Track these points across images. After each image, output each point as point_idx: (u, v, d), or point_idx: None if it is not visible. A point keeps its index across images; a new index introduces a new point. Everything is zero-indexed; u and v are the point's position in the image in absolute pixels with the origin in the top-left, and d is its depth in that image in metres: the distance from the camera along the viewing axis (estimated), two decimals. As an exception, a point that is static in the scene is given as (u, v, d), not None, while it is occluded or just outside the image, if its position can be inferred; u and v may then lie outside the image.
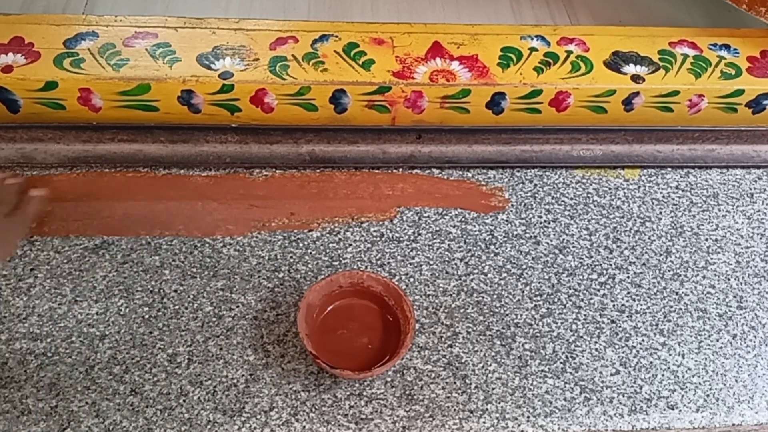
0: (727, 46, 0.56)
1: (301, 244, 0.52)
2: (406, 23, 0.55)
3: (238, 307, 0.49)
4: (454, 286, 0.51)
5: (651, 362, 0.48)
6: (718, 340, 0.49)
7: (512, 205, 0.56)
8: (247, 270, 0.51)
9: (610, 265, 0.53)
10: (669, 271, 0.53)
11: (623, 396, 0.46)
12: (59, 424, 0.43)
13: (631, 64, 0.53)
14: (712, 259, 0.54)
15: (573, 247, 0.54)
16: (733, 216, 0.57)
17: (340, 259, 0.51)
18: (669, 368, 0.48)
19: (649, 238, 0.55)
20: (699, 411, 0.46)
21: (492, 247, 0.53)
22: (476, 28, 0.55)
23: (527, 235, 0.54)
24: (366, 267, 0.51)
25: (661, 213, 0.56)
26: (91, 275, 0.49)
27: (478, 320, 0.49)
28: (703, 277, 0.53)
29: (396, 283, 0.48)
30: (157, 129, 0.53)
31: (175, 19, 0.54)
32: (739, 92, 0.53)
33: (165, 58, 0.50)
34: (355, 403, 0.45)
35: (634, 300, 0.51)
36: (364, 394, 0.45)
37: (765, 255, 0.54)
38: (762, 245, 0.55)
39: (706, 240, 0.55)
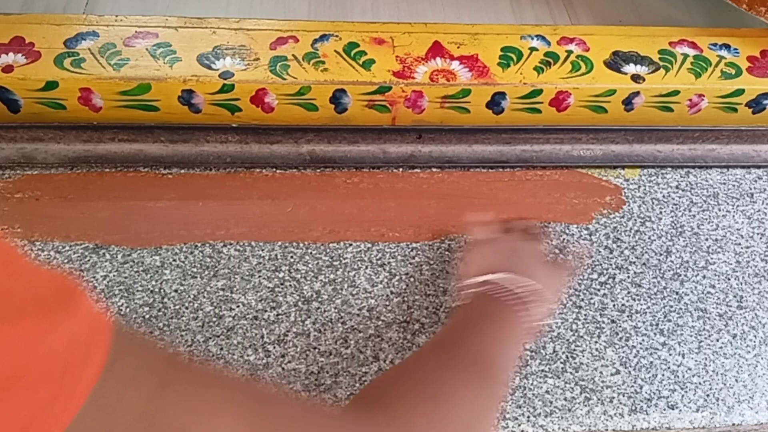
0: (727, 46, 0.56)
1: (301, 244, 0.52)
2: (406, 23, 0.55)
3: (238, 306, 0.49)
4: (454, 285, 0.51)
5: (651, 362, 0.48)
6: (718, 340, 0.49)
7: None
8: (248, 270, 0.51)
9: (610, 264, 0.53)
10: (669, 270, 0.53)
11: (623, 396, 0.46)
12: (60, 423, 0.43)
13: (631, 64, 0.53)
14: (712, 258, 0.54)
15: (573, 247, 0.54)
16: (733, 216, 0.57)
17: (341, 258, 0.51)
18: (669, 368, 0.48)
19: (649, 237, 0.55)
20: (699, 411, 0.46)
21: (492, 246, 0.53)
22: (476, 27, 0.56)
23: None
24: (366, 267, 0.51)
25: (661, 213, 0.56)
26: (91, 275, 0.49)
27: (479, 320, 0.49)
28: (703, 276, 0.53)
29: None
30: (158, 129, 0.53)
31: (175, 18, 0.54)
32: (739, 92, 0.53)
33: (165, 58, 0.50)
34: (356, 402, 0.45)
35: (634, 300, 0.51)
36: (365, 393, 0.45)
37: (765, 255, 0.54)
38: (762, 245, 0.55)
39: (706, 240, 0.55)
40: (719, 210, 0.57)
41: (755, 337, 0.50)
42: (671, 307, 0.51)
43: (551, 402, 0.46)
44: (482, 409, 0.34)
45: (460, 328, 0.40)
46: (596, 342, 0.49)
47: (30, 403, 0.18)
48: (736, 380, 0.48)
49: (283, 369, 0.46)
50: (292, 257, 0.51)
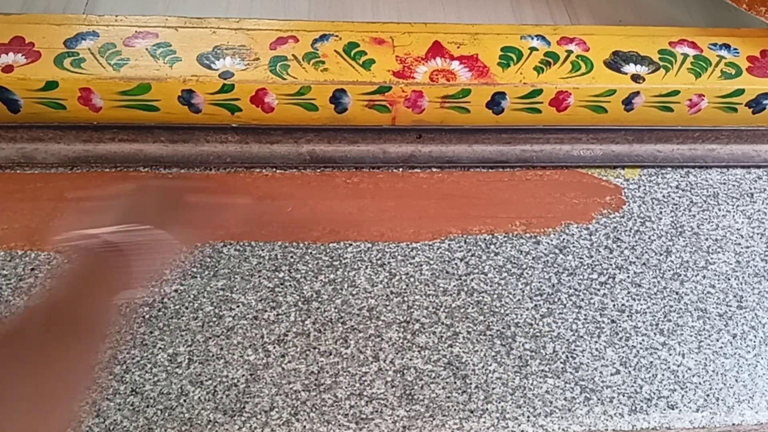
0: (727, 46, 0.56)
1: (301, 244, 0.52)
2: (406, 23, 0.55)
3: (238, 306, 0.49)
4: (454, 285, 0.51)
5: (651, 362, 0.48)
6: (718, 340, 0.49)
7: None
8: (248, 270, 0.51)
9: (610, 264, 0.53)
10: (669, 270, 0.53)
11: (623, 396, 0.46)
12: (60, 423, 0.43)
13: (631, 64, 0.53)
14: (712, 258, 0.54)
15: (573, 246, 0.54)
16: (733, 216, 0.57)
17: (341, 258, 0.51)
18: (669, 368, 0.48)
19: (649, 237, 0.55)
20: (699, 411, 0.46)
21: (492, 246, 0.53)
22: (476, 27, 0.56)
23: (527, 235, 0.54)
24: (366, 267, 0.51)
25: (661, 213, 0.56)
26: (91, 275, 0.49)
27: (479, 320, 0.49)
28: (703, 276, 0.53)
29: None
30: (158, 129, 0.53)
31: (175, 18, 0.54)
32: (739, 92, 0.53)
33: (165, 58, 0.50)
34: (356, 402, 0.45)
35: (634, 300, 0.51)
36: (365, 393, 0.45)
37: (765, 255, 0.54)
38: (762, 245, 0.55)
39: (706, 240, 0.55)
40: (719, 210, 0.57)
41: (755, 337, 0.50)
42: (671, 307, 0.51)
43: (551, 402, 0.46)
44: (74, 360, 0.38)
45: (55, 289, 0.41)
46: (596, 342, 0.49)
47: None
48: (736, 380, 0.48)
49: (283, 369, 0.46)
50: (292, 257, 0.51)
